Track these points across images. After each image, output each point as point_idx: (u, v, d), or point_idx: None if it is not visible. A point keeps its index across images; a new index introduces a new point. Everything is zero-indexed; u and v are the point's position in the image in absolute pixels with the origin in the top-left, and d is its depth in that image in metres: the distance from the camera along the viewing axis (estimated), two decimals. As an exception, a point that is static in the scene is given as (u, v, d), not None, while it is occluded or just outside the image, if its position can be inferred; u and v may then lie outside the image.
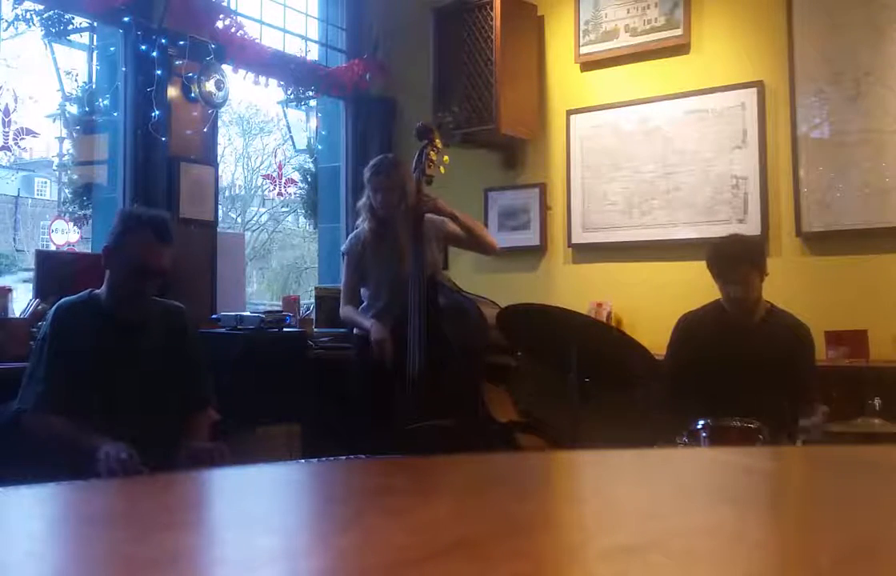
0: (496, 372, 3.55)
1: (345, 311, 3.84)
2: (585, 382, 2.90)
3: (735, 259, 3.17)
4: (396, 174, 3.69)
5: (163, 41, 4.19)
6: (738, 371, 3.04)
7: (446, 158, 3.72)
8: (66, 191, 4.65)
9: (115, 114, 4.35)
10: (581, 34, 4.75)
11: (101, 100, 4.45)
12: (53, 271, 3.88)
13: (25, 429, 2.56)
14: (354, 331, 3.86)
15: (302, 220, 7.09)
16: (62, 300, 2.74)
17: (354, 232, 3.87)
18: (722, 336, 3.19)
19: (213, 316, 4.30)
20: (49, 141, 4.82)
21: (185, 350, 2.84)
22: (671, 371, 3.28)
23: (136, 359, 2.69)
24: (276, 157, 6.71)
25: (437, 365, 3.42)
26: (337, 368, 4.30)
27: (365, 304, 3.80)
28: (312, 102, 5.50)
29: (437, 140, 3.68)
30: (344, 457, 2.47)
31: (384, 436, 3.36)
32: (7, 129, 4.00)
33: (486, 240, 3.87)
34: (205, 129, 4.46)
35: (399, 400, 3.45)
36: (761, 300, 3.23)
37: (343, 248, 3.97)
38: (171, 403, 2.72)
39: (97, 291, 2.73)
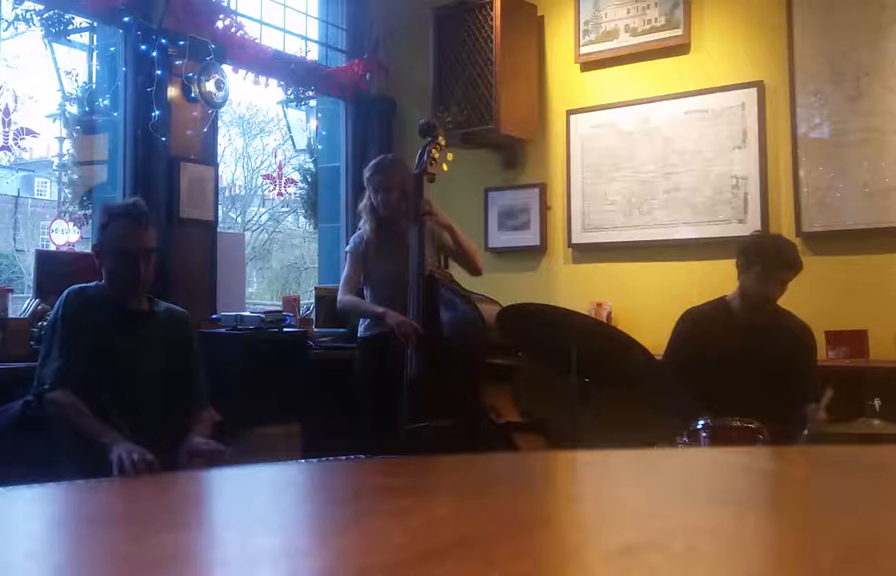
0: (497, 372, 3.54)
1: (347, 299, 3.78)
2: (585, 383, 2.90)
3: (791, 265, 3.14)
4: (397, 173, 3.70)
5: (163, 41, 4.19)
6: (742, 369, 3.04)
7: (450, 155, 3.70)
8: (66, 191, 4.64)
9: (115, 114, 4.34)
10: (581, 34, 4.75)
11: (101, 100, 4.44)
12: (53, 271, 3.88)
13: (48, 407, 2.60)
14: (358, 331, 3.86)
15: (302, 220, 7.08)
16: (72, 286, 2.81)
17: (357, 233, 3.88)
18: (729, 334, 3.19)
19: (213, 316, 4.29)
20: (49, 141, 4.81)
21: (185, 357, 2.87)
22: (674, 365, 3.27)
23: (134, 356, 2.73)
24: (276, 157, 6.71)
25: (436, 365, 3.41)
26: (337, 368, 4.30)
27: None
28: (312, 102, 5.50)
29: (441, 138, 3.67)
30: (344, 457, 2.47)
31: (385, 436, 3.36)
32: (7, 129, 3.99)
33: (474, 261, 3.83)
34: (205, 130, 4.46)
35: (399, 400, 3.45)
36: None
37: (347, 247, 3.99)
38: (164, 404, 2.75)
39: (102, 283, 2.81)
